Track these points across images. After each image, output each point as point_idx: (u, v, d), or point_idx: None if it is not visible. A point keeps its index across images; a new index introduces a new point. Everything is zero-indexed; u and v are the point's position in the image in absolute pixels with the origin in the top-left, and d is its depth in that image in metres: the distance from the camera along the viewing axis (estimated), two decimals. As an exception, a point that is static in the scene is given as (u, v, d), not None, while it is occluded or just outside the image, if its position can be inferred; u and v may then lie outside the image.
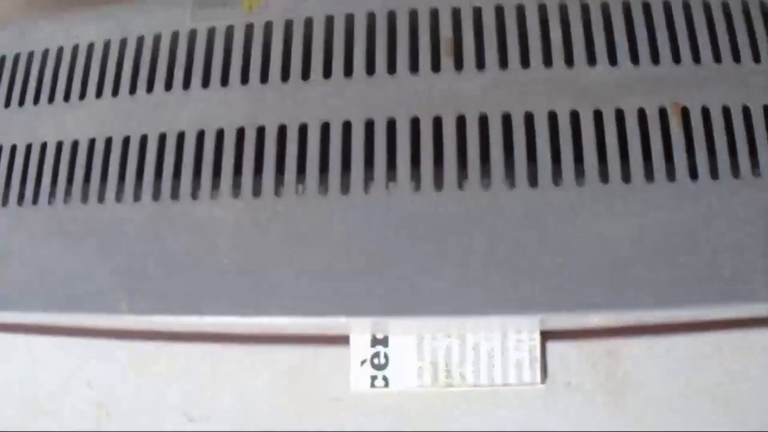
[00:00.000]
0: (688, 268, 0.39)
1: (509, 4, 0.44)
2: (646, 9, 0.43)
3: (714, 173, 0.40)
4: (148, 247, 0.42)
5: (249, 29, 0.45)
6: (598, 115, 0.41)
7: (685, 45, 0.43)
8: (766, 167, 0.40)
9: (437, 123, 0.42)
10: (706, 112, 0.41)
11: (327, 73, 0.43)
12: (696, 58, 0.42)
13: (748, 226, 0.39)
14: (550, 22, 0.43)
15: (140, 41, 0.46)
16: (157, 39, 0.46)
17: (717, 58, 0.43)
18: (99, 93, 0.46)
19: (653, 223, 0.40)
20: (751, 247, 0.39)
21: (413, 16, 0.44)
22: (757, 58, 0.42)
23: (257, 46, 0.44)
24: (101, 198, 0.43)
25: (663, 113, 0.41)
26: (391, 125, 0.42)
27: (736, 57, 0.43)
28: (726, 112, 0.41)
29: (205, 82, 0.44)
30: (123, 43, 0.46)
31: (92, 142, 0.44)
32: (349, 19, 0.44)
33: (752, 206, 0.40)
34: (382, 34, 0.44)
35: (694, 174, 0.40)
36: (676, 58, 0.42)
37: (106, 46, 0.47)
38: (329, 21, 0.44)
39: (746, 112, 0.41)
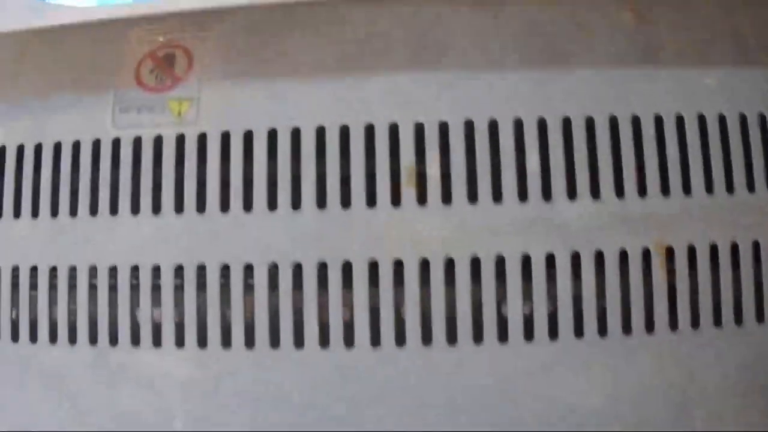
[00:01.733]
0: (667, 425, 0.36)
1: (480, 118, 0.38)
2: (636, 125, 0.38)
3: (695, 322, 0.36)
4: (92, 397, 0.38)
5: (180, 141, 0.39)
6: (575, 258, 0.37)
7: (676, 173, 0.38)
8: (749, 315, 0.37)
9: (398, 267, 0.37)
10: (692, 252, 0.37)
11: (272, 203, 0.38)
12: (687, 188, 0.38)
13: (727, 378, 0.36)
14: (527, 141, 0.38)
15: (58, 148, 0.39)
16: (76, 147, 0.39)
17: (709, 188, 0.38)
18: (17, 213, 0.40)
19: (630, 379, 0.36)
20: (732, 396, 0.36)
21: (369, 132, 0.38)
22: (751, 187, 0.37)
23: (191, 164, 0.39)
24: (33, 338, 0.39)
25: (646, 254, 0.37)
26: (347, 268, 0.37)
27: (730, 187, 0.38)
28: (713, 250, 0.37)
29: (135, 208, 0.39)
30: (38, 150, 0.40)
31: (15, 270, 0.39)
32: (296, 135, 0.38)
33: (732, 358, 0.37)
34: (333, 156, 0.38)
35: (674, 323, 0.36)
36: (665, 189, 0.38)
37: (20, 151, 0.40)
38: (272, 136, 0.38)
39: (734, 249, 0.37)
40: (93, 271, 0.39)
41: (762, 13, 0.41)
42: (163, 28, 0.41)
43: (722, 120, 0.39)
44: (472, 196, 0.38)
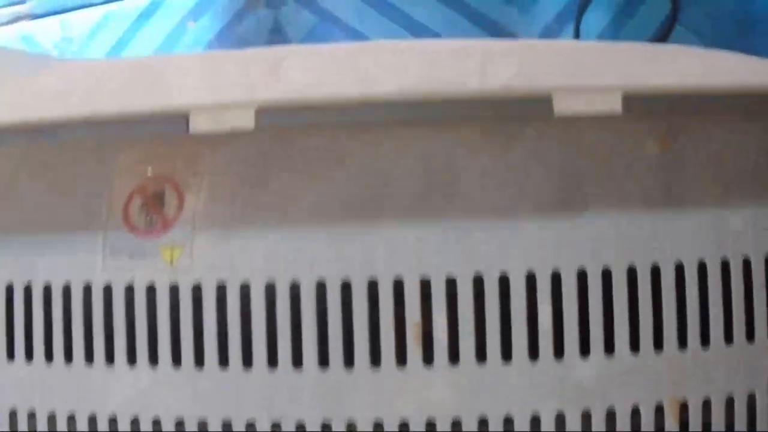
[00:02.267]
0: None
1: (490, 272, 0.36)
2: (655, 274, 0.36)
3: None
4: None
5: (174, 291, 0.37)
6: (586, 417, 0.36)
7: (695, 324, 0.36)
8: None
9: (404, 428, 0.36)
10: (707, 405, 0.36)
11: (272, 360, 0.37)
12: (705, 340, 0.36)
13: None
14: (539, 295, 0.36)
15: (48, 291, 0.38)
16: (67, 291, 0.38)
17: (729, 338, 0.36)
18: (11, 354, 0.39)
19: None
20: None
21: (373, 287, 0.36)
22: None
23: (186, 315, 0.37)
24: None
25: (659, 410, 0.36)
26: (352, 429, 0.36)
27: (750, 334, 0.36)
28: (729, 403, 0.36)
29: (131, 357, 0.38)
30: (28, 290, 0.38)
31: (13, 415, 0.39)
32: (295, 289, 0.36)
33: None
34: (335, 312, 0.36)
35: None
36: (683, 342, 0.36)
37: (9, 290, 0.39)
38: (270, 290, 0.36)
39: (751, 400, 0.36)
40: (93, 421, 0.38)
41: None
42: (151, 157, 0.38)
43: (746, 264, 0.36)
44: (481, 356, 0.36)
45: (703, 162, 0.38)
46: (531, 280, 0.36)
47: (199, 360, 0.37)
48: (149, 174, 0.38)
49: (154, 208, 0.37)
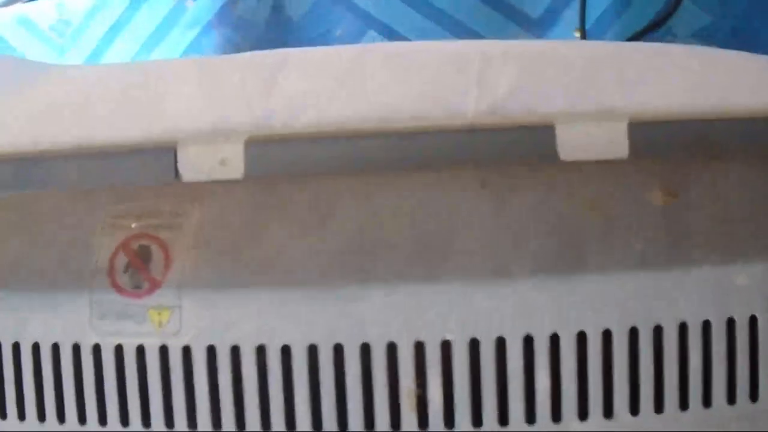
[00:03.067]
0: None
1: (486, 336, 0.35)
2: (657, 335, 0.35)
3: None
4: None
5: (164, 353, 0.36)
6: (585, 480, 0.35)
7: (697, 386, 0.35)
8: None
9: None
10: (708, 467, 0.35)
11: (265, 423, 0.36)
12: (707, 400, 0.35)
13: None
14: (537, 359, 0.35)
15: (37, 350, 0.37)
16: (56, 349, 0.37)
17: (732, 398, 0.35)
18: (3, 414, 0.38)
19: None
20: None
21: (366, 352, 0.35)
22: None
23: (177, 377, 0.36)
24: None
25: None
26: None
27: (754, 395, 0.35)
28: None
29: (123, 419, 0.37)
30: (17, 350, 0.38)
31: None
32: (286, 352, 0.36)
33: None
34: (328, 377, 0.36)
35: None
36: (684, 403, 0.35)
37: (-3, 348, 0.38)
38: (260, 352, 0.36)
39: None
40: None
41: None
42: (136, 211, 0.37)
43: (753, 321, 0.35)
44: (477, 422, 0.35)
45: (710, 215, 0.36)
46: (528, 343, 0.35)
47: (192, 423, 0.36)
48: (133, 228, 0.36)
49: (139, 267, 0.36)
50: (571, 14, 0.85)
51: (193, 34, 0.82)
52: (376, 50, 0.42)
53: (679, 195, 0.36)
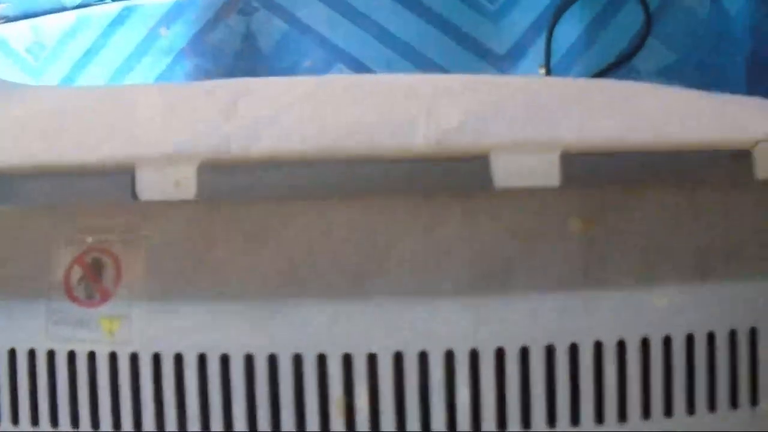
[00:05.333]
0: None
1: (411, 351, 0.39)
2: (573, 353, 0.39)
3: None
4: None
5: (113, 359, 0.40)
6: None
7: (613, 402, 0.40)
8: None
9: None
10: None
11: (205, 424, 0.40)
12: (622, 416, 0.40)
13: None
14: (457, 373, 0.39)
15: (-7, 354, 0.41)
16: (12, 354, 0.41)
17: (647, 413, 0.40)
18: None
19: None
20: None
21: (298, 363, 0.39)
22: (754, 400, 0.40)
23: (124, 383, 0.40)
24: None
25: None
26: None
27: (668, 411, 0.39)
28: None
29: (74, 421, 0.41)
30: (-26, 352, 0.41)
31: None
32: (225, 361, 0.39)
33: None
34: (263, 384, 0.40)
35: None
36: (599, 418, 0.39)
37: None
38: (201, 360, 0.40)
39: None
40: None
41: (720, 222, 0.40)
42: (90, 228, 0.41)
43: (667, 342, 0.40)
44: (401, 429, 0.39)
45: (628, 242, 0.40)
46: (450, 358, 0.39)
47: (137, 424, 0.40)
48: (88, 243, 0.40)
49: (93, 279, 0.40)
50: (537, 51, 0.89)
51: (166, 61, 0.86)
52: (333, 81, 0.46)
53: (599, 221, 0.40)
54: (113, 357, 0.40)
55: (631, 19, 0.93)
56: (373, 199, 0.40)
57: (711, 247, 0.40)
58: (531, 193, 0.39)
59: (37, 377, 0.41)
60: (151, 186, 0.39)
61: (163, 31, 0.86)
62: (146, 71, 0.86)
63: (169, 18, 0.86)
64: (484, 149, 0.39)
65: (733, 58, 0.90)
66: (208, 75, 0.85)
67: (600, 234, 0.41)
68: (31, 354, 0.41)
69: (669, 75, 0.92)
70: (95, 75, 0.86)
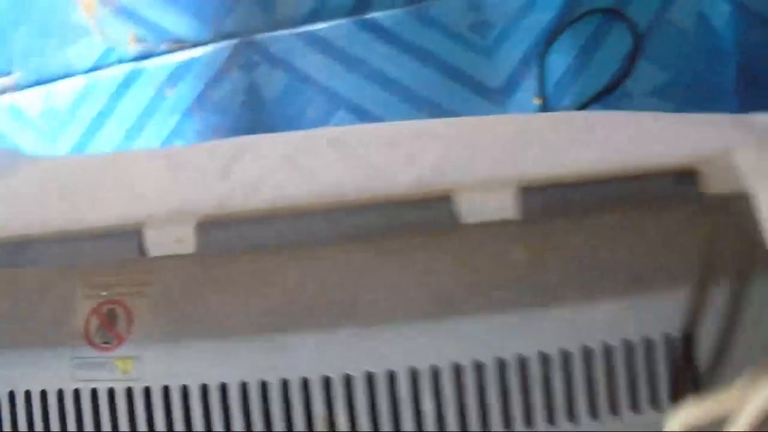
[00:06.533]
0: None
1: (381, 372, 0.49)
2: (523, 365, 0.49)
3: None
4: None
5: (129, 393, 0.51)
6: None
7: (563, 406, 0.49)
8: None
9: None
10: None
11: (209, 442, 0.51)
12: (571, 418, 0.49)
13: None
14: (420, 388, 0.49)
15: (28, 396, 0.52)
16: (44, 395, 0.52)
17: (594, 415, 0.49)
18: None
19: None
20: None
21: (285, 387, 0.50)
22: (636, 407, 0.49)
23: (140, 414, 0.51)
24: None
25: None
26: None
27: (615, 411, 0.49)
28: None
29: (98, 451, 0.52)
30: (11, 397, 0.53)
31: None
32: (223, 390, 0.50)
33: None
34: (257, 409, 0.50)
35: None
36: (551, 420, 0.49)
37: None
38: (204, 390, 0.50)
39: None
40: None
41: (653, 238, 0.50)
42: (104, 284, 0.52)
43: (608, 351, 0.49)
44: (376, 435, 0.49)
45: (570, 264, 0.50)
46: (414, 376, 0.49)
47: (152, 448, 0.51)
48: (103, 296, 0.52)
49: (108, 326, 0.51)
50: (531, 82, 0.99)
51: (174, 120, 0.97)
52: (321, 135, 0.56)
53: (543, 244, 0.50)
54: (129, 392, 0.51)
55: (620, 42, 1.02)
56: (351, 243, 0.51)
57: (649, 260, 0.50)
58: (486, 224, 0.49)
59: (66, 413, 0.52)
60: (156, 244, 0.50)
61: (169, 91, 0.98)
62: (156, 131, 0.97)
63: (174, 78, 0.98)
64: (450, 189, 0.49)
65: (723, 73, 0.99)
66: (216, 130, 0.96)
67: (544, 256, 0.50)
68: (59, 394, 0.52)
69: (662, 95, 1.00)
70: (108, 137, 0.97)
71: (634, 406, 0.49)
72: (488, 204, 0.49)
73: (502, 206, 0.49)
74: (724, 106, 0.95)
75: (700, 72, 0.98)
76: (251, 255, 0.51)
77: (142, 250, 0.49)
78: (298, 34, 0.98)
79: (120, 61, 0.99)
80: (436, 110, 0.96)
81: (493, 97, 0.97)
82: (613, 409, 0.50)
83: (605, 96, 0.99)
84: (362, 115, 0.95)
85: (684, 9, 0.99)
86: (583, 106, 0.98)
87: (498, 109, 0.98)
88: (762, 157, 0.46)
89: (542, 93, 0.98)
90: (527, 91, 0.98)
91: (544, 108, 0.97)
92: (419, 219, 0.49)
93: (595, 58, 0.99)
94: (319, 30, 0.98)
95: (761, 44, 0.99)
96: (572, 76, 0.98)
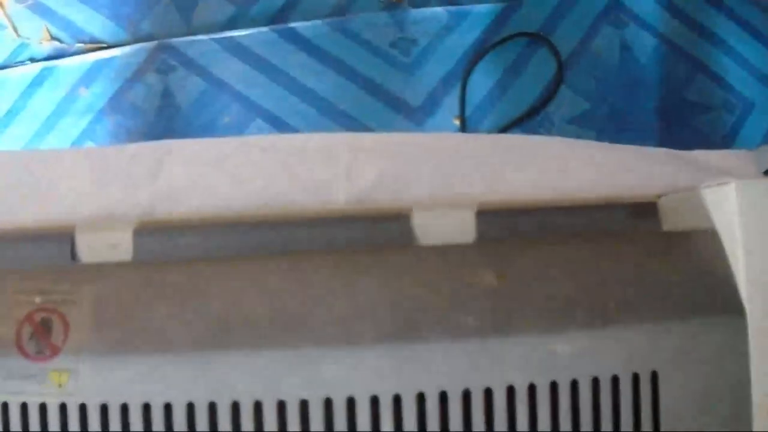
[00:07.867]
0: None
1: (339, 397, 0.46)
2: (488, 396, 0.47)
3: None
4: None
5: (63, 410, 0.47)
6: None
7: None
8: None
9: None
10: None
11: (150, 474, 0.47)
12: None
13: None
14: (382, 417, 0.46)
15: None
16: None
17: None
18: None
19: None
20: None
21: (236, 409, 0.46)
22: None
23: (74, 430, 0.47)
24: None
25: None
26: None
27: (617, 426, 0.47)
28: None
29: (26, 472, 0.47)
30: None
31: None
32: (168, 409, 0.46)
33: None
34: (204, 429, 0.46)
35: None
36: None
37: None
38: (146, 410, 0.46)
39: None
40: None
41: (621, 271, 0.48)
42: (38, 289, 0.47)
43: (574, 385, 0.47)
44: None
45: (534, 291, 0.48)
46: (375, 403, 0.46)
47: (86, 471, 0.47)
48: (37, 303, 0.47)
49: (42, 336, 0.47)
50: (451, 102, 0.98)
51: (86, 121, 0.93)
52: (254, 143, 0.54)
53: (507, 273, 0.48)
54: (63, 408, 0.47)
55: (543, 68, 1.03)
56: (299, 257, 0.48)
57: (612, 295, 0.48)
58: (446, 247, 0.47)
59: (-9, 430, 0.47)
60: (90, 249, 0.46)
61: (82, 91, 0.93)
62: (67, 131, 0.92)
63: (88, 78, 0.93)
64: (404, 208, 0.46)
65: (645, 105, 1.00)
66: (129, 133, 0.92)
67: (508, 284, 0.48)
68: (-16, 407, 0.47)
69: (582, 123, 1.01)
70: (16, 135, 0.92)
71: None
72: (446, 225, 0.48)
73: (461, 228, 0.48)
74: (644, 137, 0.95)
75: (621, 103, 0.99)
76: (192, 264, 0.47)
77: (73, 254, 0.46)
78: (217, 40, 0.95)
79: (32, 59, 0.94)
80: (354, 125, 0.95)
81: (412, 115, 0.97)
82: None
83: (526, 120, 0.99)
84: (279, 125, 0.94)
85: (608, 39, 1.00)
86: (503, 130, 0.98)
87: (417, 127, 0.97)
88: (727, 195, 0.46)
89: (462, 114, 0.97)
90: (447, 111, 0.97)
91: (463, 129, 0.96)
92: (367, 237, 0.46)
93: (517, 83, 0.99)
94: (239, 37, 0.96)
95: (683, 78, 1.01)
96: (494, 98, 0.98)
